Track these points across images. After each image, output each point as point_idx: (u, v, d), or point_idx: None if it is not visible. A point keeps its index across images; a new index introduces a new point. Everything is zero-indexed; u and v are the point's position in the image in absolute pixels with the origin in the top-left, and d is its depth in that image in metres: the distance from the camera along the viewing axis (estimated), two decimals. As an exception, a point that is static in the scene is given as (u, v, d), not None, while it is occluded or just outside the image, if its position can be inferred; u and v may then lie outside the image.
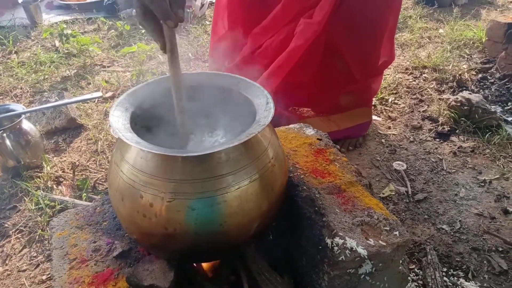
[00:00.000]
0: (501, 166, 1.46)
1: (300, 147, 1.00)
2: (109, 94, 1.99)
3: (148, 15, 0.65)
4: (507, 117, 1.73)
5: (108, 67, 2.29)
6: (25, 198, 1.35)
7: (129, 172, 0.66)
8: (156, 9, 0.63)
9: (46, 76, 2.16)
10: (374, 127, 1.72)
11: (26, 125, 1.48)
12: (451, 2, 2.97)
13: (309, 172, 0.91)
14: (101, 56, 2.39)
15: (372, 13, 1.41)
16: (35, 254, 1.19)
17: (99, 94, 1.50)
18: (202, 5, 2.95)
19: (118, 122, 0.68)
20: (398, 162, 1.51)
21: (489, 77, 2.05)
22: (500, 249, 1.14)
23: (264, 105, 0.73)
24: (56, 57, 2.34)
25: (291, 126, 1.10)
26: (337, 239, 0.74)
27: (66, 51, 2.42)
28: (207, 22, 2.82)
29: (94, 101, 1.91)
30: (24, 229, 1.26)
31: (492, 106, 1.77)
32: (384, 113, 1.83)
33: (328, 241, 0.75)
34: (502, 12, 2.84)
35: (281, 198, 0.75)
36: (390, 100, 1.91)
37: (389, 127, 1.74)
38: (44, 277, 1.12)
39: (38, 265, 1.15)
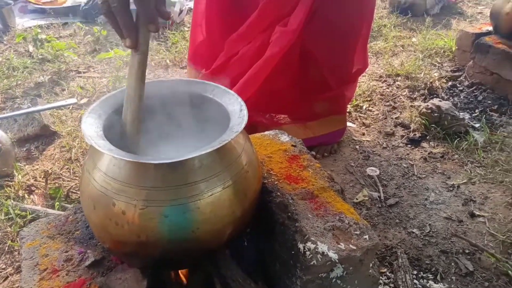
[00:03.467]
0: (469, 171, 1.52)
1: (275, 154, 1.02)
2: (84, 100, 1.96)
3: (119, 4, 0.61)
4: (475, 123, 1.81)
5: (84, 73, 2.26)
6: (-6, 207, 1.32)
7: (101, 179, 0.66)
8: (141, 10, 0.61)
9: (19, 82, 2.11)
10: (348, 133, 1.76)
11: (-3, 132, 1.44)
12: (423, 12, 3.07)
13: (283, 178, 0.93)
14: (77, 61, 2.36)
15: (346, 22, 1.45)
16: (3, 266, 1.15)
17: (73, 100, 1.48)
18: (181, 11, 2.95)
19: (91, 129, 0.68)
20: (372, 168, 1.55)
21: (458, 85, 2.13)
22: (467, 251, 1.19)
23: (238, 112, 0.75)
24: (30, 62, 2.29)
25: (267, 132, 1.12)
26: (309, 244, 0.75)
27: (40, 56, 2.37)
28: (186, 28, 2.82)
29: (69, 107, 1.87)
30: (-7, 239, 1.23)
31: (461, 113, 1.85)
32: (359, 120, 1.88)
33: (301, 246, 0.76)
34: (471, 23, 2.96)
35: (254, 204, 0.76)
36: (364, 107, 1.96)
37: (363, 134, 1.78)
38: (13, 289, 1.09)
39: (7, 277, 1.12)
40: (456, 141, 1.66)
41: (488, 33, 2.15)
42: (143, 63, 0.67)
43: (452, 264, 1.14)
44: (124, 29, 0.63)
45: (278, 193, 0.87)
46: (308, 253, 0.75)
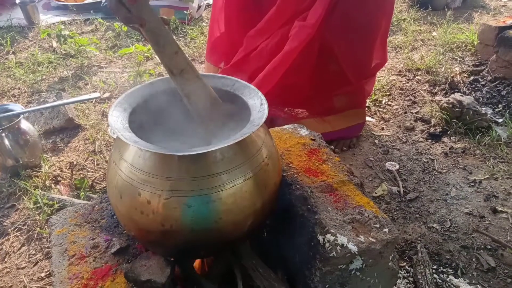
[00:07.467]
0: (491, 166, 1.49)
1: (294, 147, 1.03)
2: (106, 94, 2.01)
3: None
4: (497, 118, 1.77)
5: (106, 68, 2.31)
6: (23, 197, 1.37)
7: (127, 170, 0.69)
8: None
9: (44, 77, 2.18)
10: (367, 128, 1.75)
11: (25, 125, 1.49)
12: (444, 6, 3.01)
13: (302, 171, 0.94)
14: (99, 57, 2.41)
15: (365, 17, 1.44)
16: (33, 252, 1.20)
17: (97, 94, 1.52)
18: (199, 6, 2.97)
19: (117, 122, 0.71)
20: (391, 162, 1.54)
21: (480, 80, 2.09)
22: (489, 247, 1.17)
23: (258, 106, 0.76)
24: (54, 57, 2.35)
25: (286, 126, 1.13)
26: (328, 236, 0.77)
27: (64, 51, 2.43)
28: (204, 24, 2.85)
29: (92, 101, 1.93)
30: (22, 227, 1.28)
31: (483, 108, 1.81)
32: (378, 114, 1.87)
33: (320, 237, 0.77)
34: (494, 16, 2.88)
35: (274, 196, 0.78)
36: (383, 102, 1.94)
37: (382, 128, 1.77)
38: (42, 274, 1.14)
39: (37, 262, 1.17)
40: (478, 136, 1.63)
41: (512, 27, 2.10)
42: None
43: (473, 259, 1.13)
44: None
45: (298, 186, 0.89)
46: (327, 245, 0.76)
